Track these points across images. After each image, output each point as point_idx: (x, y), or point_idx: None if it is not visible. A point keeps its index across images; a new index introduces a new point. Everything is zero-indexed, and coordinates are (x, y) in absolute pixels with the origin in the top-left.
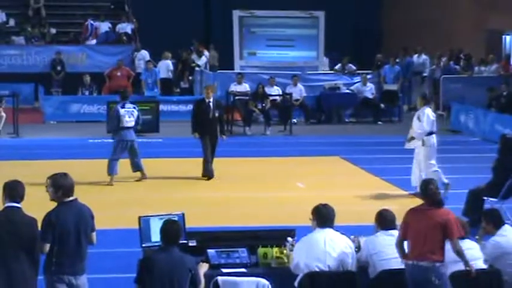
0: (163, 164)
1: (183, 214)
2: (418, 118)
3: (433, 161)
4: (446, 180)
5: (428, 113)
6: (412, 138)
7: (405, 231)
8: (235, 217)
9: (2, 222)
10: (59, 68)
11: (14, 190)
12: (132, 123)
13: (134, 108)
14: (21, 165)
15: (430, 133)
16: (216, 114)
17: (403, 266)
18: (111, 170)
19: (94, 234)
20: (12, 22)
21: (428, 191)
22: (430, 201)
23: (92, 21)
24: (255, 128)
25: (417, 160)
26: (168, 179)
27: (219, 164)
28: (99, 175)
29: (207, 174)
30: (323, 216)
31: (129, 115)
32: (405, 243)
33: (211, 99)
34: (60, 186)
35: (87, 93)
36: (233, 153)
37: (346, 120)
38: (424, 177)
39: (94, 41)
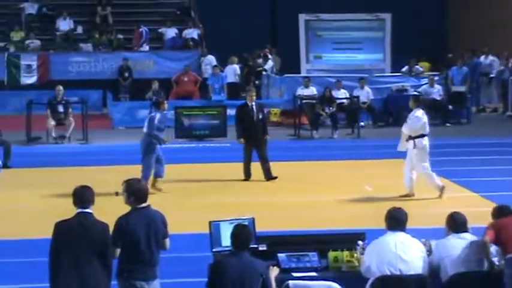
0: (231, 169)
1: (253, 219)
2: (409, 118)
3: (426, 164)
4: (441, 183)
5: (418, 115)
6: (408, 139)
7: (497, 234)
8: (304, 221)
9: (74, 228)
10: (126, 74)
11: (83, 196)
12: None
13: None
14: (91, 171)
15: (422, 135)
16: (260, 117)
17: (475, 269)
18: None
19: (167, 240)
20: (79, 29)
21: None
22: None
23: (145, 28)
24: (322, 131)
25: (408, 162)
26: (235, 182)
27: (286, 167)
28: (167, 179)
29: (248, 176)
30: (394, 219)
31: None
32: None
33: (253, 103)
34: (132, 192)
35: (154, 98)
36: (300, 157)
37: None
38: (414, 178)
39: (147, 47)
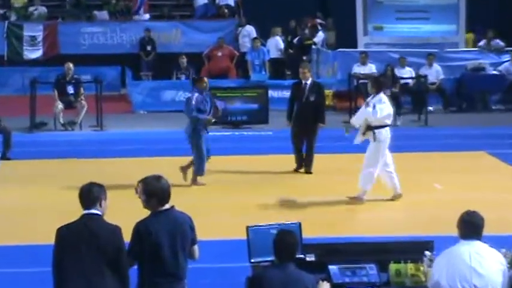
0: (273, 161)
1: (300, 224)
2: (368, 105)
3: (380, 160)
4: (399, 191)
5: (386, 101)
6: (368, 129)
7: None
8: (360, 225)
9: (79, 233)
10: (149, 48)
11: (89, 194)
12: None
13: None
14: (105, 163)
15: (383, 126)
16: (311, 99)
17: None
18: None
19: (196, 247)
20: None
21: None
22: None
23: None
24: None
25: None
26: (278, 177)
27: (338, 160)
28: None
29: (298, 167)
30: (469, 225)
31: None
32: None
33: (308, 81)
34: (153, 192)
35: (183, 77)
36: (357, 148)
37: (493, 107)
38: (394, 175)
39: (147, 16)
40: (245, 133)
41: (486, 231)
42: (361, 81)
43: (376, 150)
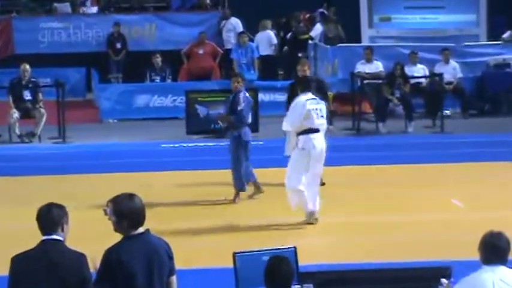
0: (265, 176)
1: (295, 248)
2: (321, 111)
3: (300, 175)
4: (310, 208)
5: (300, 101)
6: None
7: None
8: (366, 250)
9: (38, 262)
10: (118, 45)
11: (50, 217)
12: None
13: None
14: (68, 181)
15: (306, 131)
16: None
17: None
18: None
19: (174, 278)
20: None
21: None
22: None
23: None
24: (392, 123)
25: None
26: (270, 194)
27: (341, 173)
28: (178, 192)
29: None
30: (492, 249)
31: None
32: None
33: None
34: (124, 213)
35: (158, 79)
36: (361, 159)
37: None
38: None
39: (95, 9)
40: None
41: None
42: (366, 81)
43: (296, 159)
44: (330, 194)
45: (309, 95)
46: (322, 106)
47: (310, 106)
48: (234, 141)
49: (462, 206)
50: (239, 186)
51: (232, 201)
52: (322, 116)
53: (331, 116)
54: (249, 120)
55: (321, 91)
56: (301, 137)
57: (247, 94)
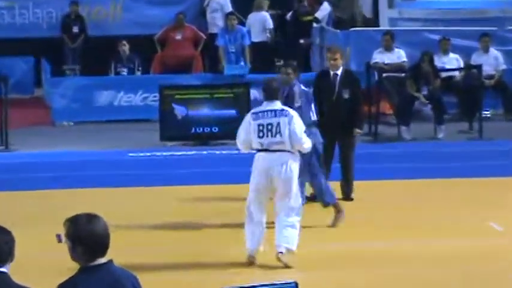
0: None
1: (296, 284)
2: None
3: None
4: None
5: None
6: None
7: None
8: (381, 284)
9: None
10: (75, 29)
11: None
12: None
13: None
14: (12, 198)
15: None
16: (346, 96)
17: None
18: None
19: None
20: None
21: None
22: None
23: None
24: (418, 127)
25: None
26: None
27: (356, 189)
28: (149, 214)
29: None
30: None
31: None
32: None
33: (339, 71)
34: (82, 239)
35: (125, 71)
36: (380, 172)
37: None
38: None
39: None
40: (217, 152)
41: None
42: (385, 74)
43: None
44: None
45: (265, 106)
46: (280, 120)
47: (257, 122)
48: None
49: (502, 230)
50: (330, 200)
51: (332, 225)
52: (278, 133)
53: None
54: (313, 117)
55: (354, 85)
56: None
57: (302, 87)
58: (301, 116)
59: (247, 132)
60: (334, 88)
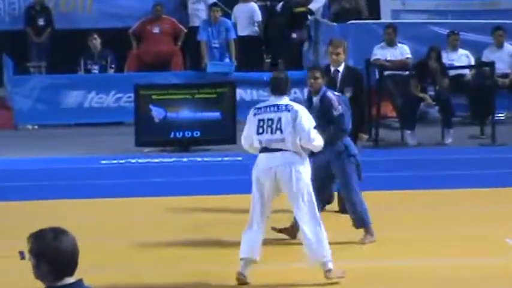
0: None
1: None
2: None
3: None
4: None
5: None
6: None
7: None
8: None
9: None
10: (41, 22)
11: None
12: None
13: None
14: None
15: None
16: (348, 95)
17: None
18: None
19: None
20: None
21: None
22: None
23: None
24: (424, 131)
25: None
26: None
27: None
28: (121, 228)
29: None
30: None
31: None
32: None
33: (340, 67)
34: (47, 256)
35: (96, 69)
36: (381, 182)
37: None
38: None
39: None
40: (198, 159)
41: None
42: (387, 72)
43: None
44: (347, 232)
45: (270, 101)
46: (282, 115)
47: (258, 117)
48: (339, 160)
49: None
50: (363, 223)
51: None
52: (278, 130)
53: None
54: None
55: (357, 83)
56: None
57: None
58: (344, 123)
59: (249, 127)
60: (336, 86)
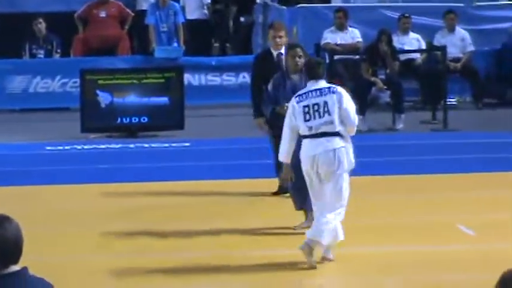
0: (196, 191)
1: None
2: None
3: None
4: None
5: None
6: None
7: None
8: None
9: None
10: None
11: None
12: None
13: None
14: None
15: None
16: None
17: None
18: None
19: None
20: None
21: None
22: None
23: None
24: (375, 116)
25: None
26: (209, 219)
27: None
28: (70, 213)
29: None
30: None
31: None
32: None
33: (282, 50)
34: None
35: (41, 54)
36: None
37: None
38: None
39: None
40: (146, 145)
41: None
42: (337, 56)
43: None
44: (283, 214)
45: (310, 86)
46: (327, 98)
47: (302, 103)
48: None
49: (473, 234)
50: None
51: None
52: (327, 113)
53: None
54: None
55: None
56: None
57: None
58: None
59: (293, 117)
60: (282, 70)
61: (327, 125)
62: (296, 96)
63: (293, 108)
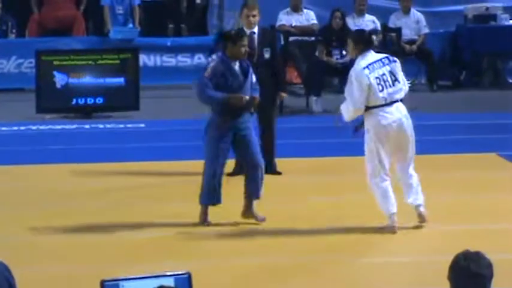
0: (150, 171)
1: (189, 275)
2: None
3: (371, 163)
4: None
5: (356, 67)
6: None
7: None
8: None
9: None
10: None
11: None
12: None
13: None
14: None
15: (369, 107)
16: (267, 56)
17: None
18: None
19: None
20: None
21: None
22: None
23: None
24: (330, 98)
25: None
26: (166, 199)
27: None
28: (25, 194)
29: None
30: (467, 276)
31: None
32: None
33: (255, 29)
34: None
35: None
36: (288, 148)
37: (510, 80)
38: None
39: None
40: (101, 126)
41: (497, 285)
42: (292, 38)
43: (366, 144)
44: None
45: (369, 57)
46: (390, 67)
47: (373, 75)
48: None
49: (428, 218)
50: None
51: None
52: (396, 81)
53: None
54: None
55: (273, 44)
56: (366, 113)
57: None
58: None
59: (361, 88)
60: (254, 49)
61: (398, 93)
62: (364, 68)
63: (366, 79)
